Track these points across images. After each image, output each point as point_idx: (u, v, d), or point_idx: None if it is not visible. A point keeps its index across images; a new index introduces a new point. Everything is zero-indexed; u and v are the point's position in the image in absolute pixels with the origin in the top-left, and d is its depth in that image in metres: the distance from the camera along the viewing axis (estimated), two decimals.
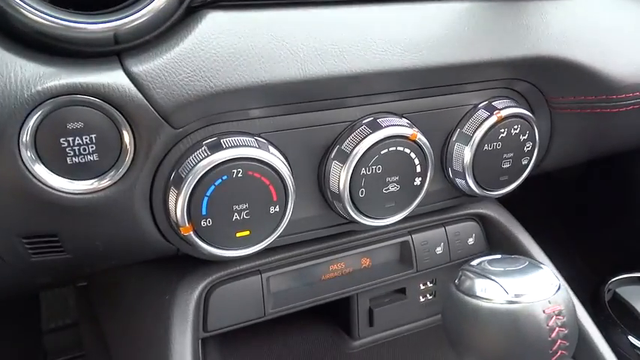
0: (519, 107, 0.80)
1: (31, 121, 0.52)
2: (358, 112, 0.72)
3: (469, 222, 0.93)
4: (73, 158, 0.54)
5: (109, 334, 0.96)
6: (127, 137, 0.56)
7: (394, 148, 0.71)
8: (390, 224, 0.78)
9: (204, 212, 0.63)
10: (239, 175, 0.63)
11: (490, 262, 0.62)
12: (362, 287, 0.85)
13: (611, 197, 1.40)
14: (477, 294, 0.58)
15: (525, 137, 0.81)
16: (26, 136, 0.52)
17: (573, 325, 0.57)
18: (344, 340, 0.94)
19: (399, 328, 0.95)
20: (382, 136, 0.69)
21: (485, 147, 0.79)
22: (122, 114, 0.55)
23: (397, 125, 0.71)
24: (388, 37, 0.66)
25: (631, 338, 1.03)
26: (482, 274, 0.59)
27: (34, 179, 0.54)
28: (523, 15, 0.75)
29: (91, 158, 0.55)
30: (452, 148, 0.80)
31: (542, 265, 0.61)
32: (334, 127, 0.71)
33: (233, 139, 0.63)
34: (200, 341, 0.75)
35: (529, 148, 0.83)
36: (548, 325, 0.55)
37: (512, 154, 0.81)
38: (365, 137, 0.69)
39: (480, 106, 0.79)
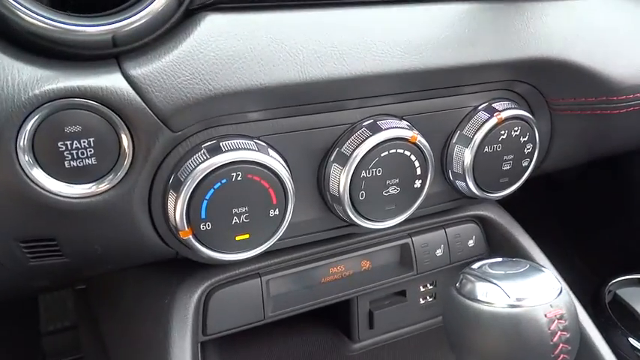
0: (519, 109, 0.80)
1: (29, 125, 0.52)
2: (358, 114, 0.72)
3: (469, 224, 0.92)
4: (71, 162, 0.54)
5: (108, 336, 0.96)
6: (125, 141, 0.56)
7: (394, 151, 0.71)
8: (390, 227, 0.77)
9: (203, 216, 0.62)
10: (238, 178, 0.62)
11: (491, 265, 0.62)
12: (362, 290, 0.85)
13: (611, 198, 1.39)
14: (479, 298, 0.58)
15: (526, 139, 0.81)
16: (24, 140, 0.52)
17: (575, 329, 0.57)
18: (344, 343, 0.93)
19: (399, 331, 0.95)
20: (382, 139, 0.69)
21: (486, 149, 0.78)
22: (120, 117, 0.55)
23: (397, 127, 0.70)
24: (388, 39, 0.66)
25: (631, 340, 1.03)
26: (484, 278, 0.59)
27: (31, 183, 0.54)
28: (523, 17, 0.75)
29: (89, 162, 0.55)
30: (452, 150, 0.80)
31: (543, 269, 0.61)
32: (334, 130, 0.71)
33: (232, 142, 0.63)
34: (199, 345, 0.75)
35: (529, 150, 0.82)
36: (550, 330, 0.55)
37: (512, 156, 0.81)
38: (365, 140, 0.69)
39: (480, 107, 0.79)
